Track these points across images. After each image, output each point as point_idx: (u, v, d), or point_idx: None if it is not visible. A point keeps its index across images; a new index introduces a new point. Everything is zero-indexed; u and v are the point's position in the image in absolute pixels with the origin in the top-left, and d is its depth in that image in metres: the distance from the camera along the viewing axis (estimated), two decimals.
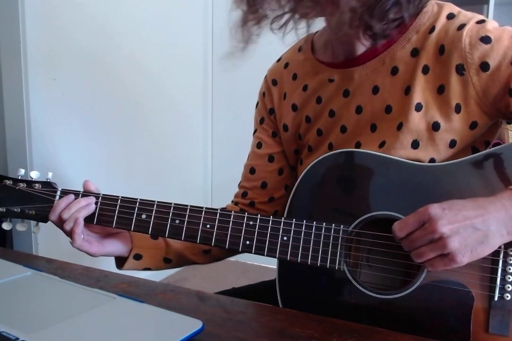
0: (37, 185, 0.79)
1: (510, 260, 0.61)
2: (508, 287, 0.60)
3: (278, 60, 0.88)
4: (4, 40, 1.41)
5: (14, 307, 0.55)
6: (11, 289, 0.60)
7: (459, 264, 0.55)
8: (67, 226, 0.74)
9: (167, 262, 0.84)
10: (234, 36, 0.67)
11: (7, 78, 1.44)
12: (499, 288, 0.61)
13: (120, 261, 0.83)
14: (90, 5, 1.65)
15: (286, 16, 0.64)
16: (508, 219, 0.55)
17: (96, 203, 0.76)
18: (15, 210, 0.78)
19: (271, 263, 0.71)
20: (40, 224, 0.81)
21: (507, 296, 0.60)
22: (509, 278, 0.60)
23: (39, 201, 0.78)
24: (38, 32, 1.44)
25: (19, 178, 0.80)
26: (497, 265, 0.61)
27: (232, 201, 0.92)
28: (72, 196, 0.77)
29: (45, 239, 1.57)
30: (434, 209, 0.56)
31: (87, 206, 0.75)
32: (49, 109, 1.52)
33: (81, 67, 1.64)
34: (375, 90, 0.72)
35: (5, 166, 1.47)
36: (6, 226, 0.79)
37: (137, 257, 0.81)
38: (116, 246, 0.80)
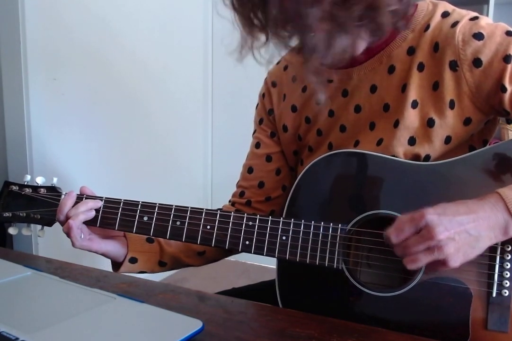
0: (42, 189, 0.80)
1: (507, 256, 0.61)
2: (506, 283, 0.61)
3: (278, 63, 0.89)
4: (4, 40, 1.41)
5: (14, 307, 0.55)
6: (11, 289, 0.60)
7: (450, 268, 0.56)
8: (65, 228, 0.75)
9: (162, 265, 0.85)
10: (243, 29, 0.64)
11: (7, 78, 1.44)
12: (497, 284, 0.61)
13: (116, 265, 0.83)
14: (90, 5, 1.65)
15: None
16: (496, 224, 0.56)
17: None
18: (20, 214, 0.79)
19: (271, 263, 0.72)
20: (45, 228, 0.81)
21: (505, 292, 0.60)
22: (506, 274, 0.61)
23: (44, 205, 0.79)
24: (38, 32, 1.44)
25: (25, 183, 0.81)
26: (495, 261, 0.61)
27: (230, 201, 0.92)
28: (73, 193, 0.78)
29: (45, 239, 1.56)
30: (430, 214, 0.56)
31: (87, 211, 0.76)
32: (49, 109, 1.52)
33: (81, 67, 1.64)
34: (373, 89, 0.73)
35: (5, 166, 1.47)
36: (12, 230, 0.81)
37: (133, 260, 0.82)
38: (114, 246, 0.81)
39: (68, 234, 0.75)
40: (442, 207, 0.57)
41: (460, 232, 0.55)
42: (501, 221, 0.56)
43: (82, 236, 0.75)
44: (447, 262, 0.55)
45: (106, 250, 0.79)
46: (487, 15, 1.88)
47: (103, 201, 0.77)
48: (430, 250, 0.55)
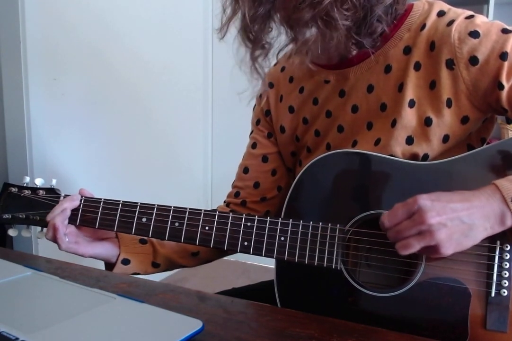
0: (41, 191, 0.80)
1: (506, 255, 0.61)
2: (505, 283, 0.61)
3: (275, 65, 0.89)
4: (4, 40, 1.41)
5: (14, 307, 0.55)
6: (11, 289, 0.60)
7: (442, 256, 0.56)
8: (49, 233, 0.75)
9: (156, 267, 0.85)
10: (251, 75, 0.69)
11: (7, 78, 1.44)
12: (496, 284, 0.61)
13: (109, 267, 0.83)
14: (91, 4, 1.65)
15: (291, 45, 0.67)
16: (491, 213, 0.56)
17: (97, 208, 0.77)
18: (20, 216, 0.80)
19: (271, 263, 0.72)
20: (44, 229, 0.81)
21: (504, 292, 0.60)
22: (505, 273, 0.61)
23: (43, 207, 0.79)
24: (38, 32, 1.44)
25: (24, 185, 0.81)
26: (493, 261, 0.61)
27: (224, 202, 0.92)
28: (75, 197, 0.78)
29: (45, 239, 1.57)
30: (423, 200, 0.56)
31: (62, 212, 0.76)
32: (49, 109, 1.52)
33: (81, 67, 1.64)
34: (370, 89, 0.73)
35: (5, 166, 1.47)
36: (12, 232, 0.81)
37: (125, 261, 0.82)
38: (105, 248, 0.81)
39: (54, 238, 0.75)
40: (436, 194, 0.58)
41: (453, 218, 0.55)
42: (497, 210, 0.56)
43: (67, 239, 0.75)
44: (439, 249, 0.55)
45: (94, 253, 0.79)
46: (487, 15, 1.88)
47: (101, 202, 0.77)
48: (421, 235, 0.55)
